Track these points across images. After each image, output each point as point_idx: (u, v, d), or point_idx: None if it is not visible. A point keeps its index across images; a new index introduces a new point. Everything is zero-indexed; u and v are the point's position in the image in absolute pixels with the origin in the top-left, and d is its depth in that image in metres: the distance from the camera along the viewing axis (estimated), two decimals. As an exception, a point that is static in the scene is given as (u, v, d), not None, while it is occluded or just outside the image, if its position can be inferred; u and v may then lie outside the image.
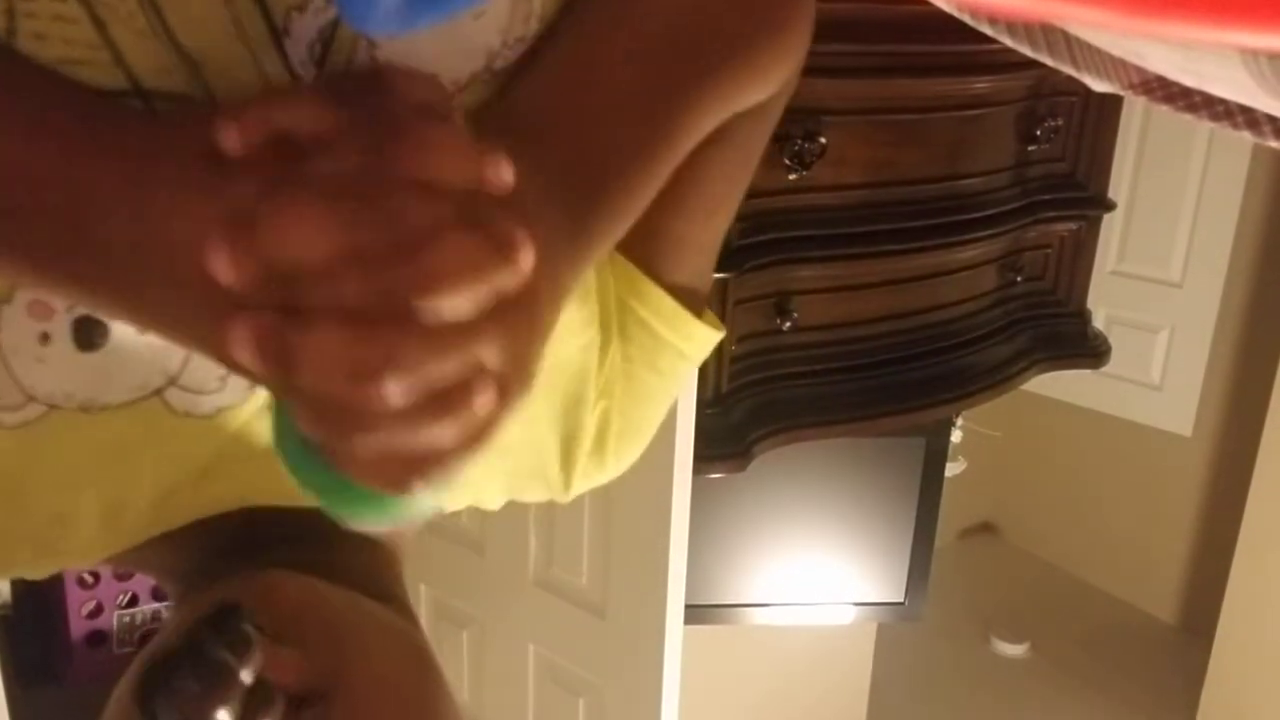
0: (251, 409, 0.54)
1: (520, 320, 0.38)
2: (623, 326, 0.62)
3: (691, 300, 0.63)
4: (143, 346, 0.50)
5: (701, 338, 0.64)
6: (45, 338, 0.48)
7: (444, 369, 0.35)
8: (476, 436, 0.38)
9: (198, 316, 0.39)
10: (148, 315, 0.41)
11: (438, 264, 0.35)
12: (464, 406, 0.36)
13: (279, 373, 0.35)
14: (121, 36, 0.43)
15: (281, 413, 0.40)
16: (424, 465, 0.37)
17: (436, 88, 0.41)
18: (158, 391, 0.51)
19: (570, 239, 0.45)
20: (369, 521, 0.40)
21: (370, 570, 0.59)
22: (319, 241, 0.34)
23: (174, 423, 0.52)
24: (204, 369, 0.51)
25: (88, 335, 0.49)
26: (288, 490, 0.57)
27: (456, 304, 0.35)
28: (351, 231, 0.34)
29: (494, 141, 0.40)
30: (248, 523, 0.58)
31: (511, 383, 0.38)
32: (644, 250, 0.61)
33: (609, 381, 0.62)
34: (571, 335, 0.60)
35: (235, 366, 0.37)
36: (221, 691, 0.39)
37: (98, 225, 0.39)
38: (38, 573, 0.56)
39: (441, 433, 0.36)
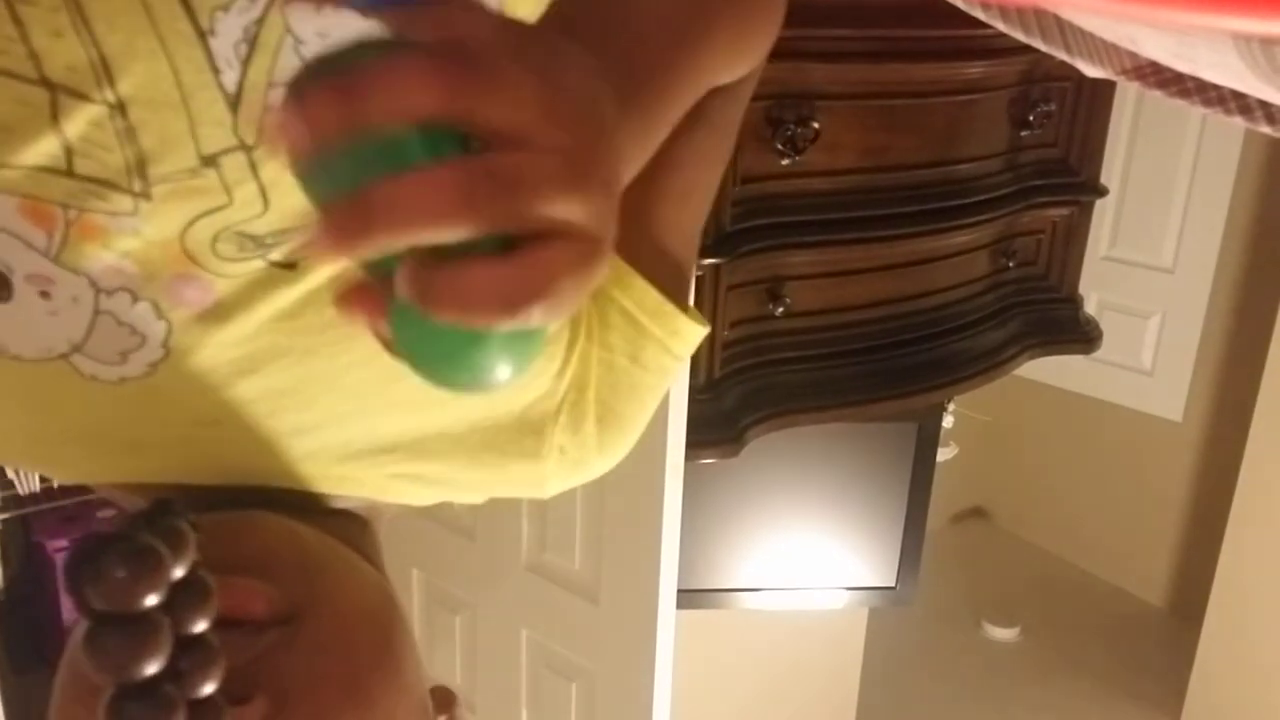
0: (157, 383, 0.56)
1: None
2: (603, 315, 0.61)
3: (675, 295, 0.63)
4: (45, 313, 0.53)
5: (687, 333, 0.63)
6: None
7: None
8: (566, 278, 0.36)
9: None
10: None
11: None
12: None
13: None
14: (36, 35, 0.46)
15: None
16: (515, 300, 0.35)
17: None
18: (64, 356, 0.54)
19: (624, 119, 0.42)
20: (457, 371, 0.38)
21: (343, 532, 0.60)
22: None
23: (83, 385, 0.55)
24: (107, 342, 0.54)
25: None
26: (224, 473, 0.59)
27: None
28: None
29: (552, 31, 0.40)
30: (225, 487, 0.60)
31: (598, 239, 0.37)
32: (624, 239, 0.61)
33: (578, 375, 0.62)
34: None
35: None
36: (149, 578, 0.39)
37: None
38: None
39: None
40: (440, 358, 0.38)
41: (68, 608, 2.16)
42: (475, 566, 1.90)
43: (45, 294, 0.52)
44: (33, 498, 2.08)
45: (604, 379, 0.62)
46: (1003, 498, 3.98)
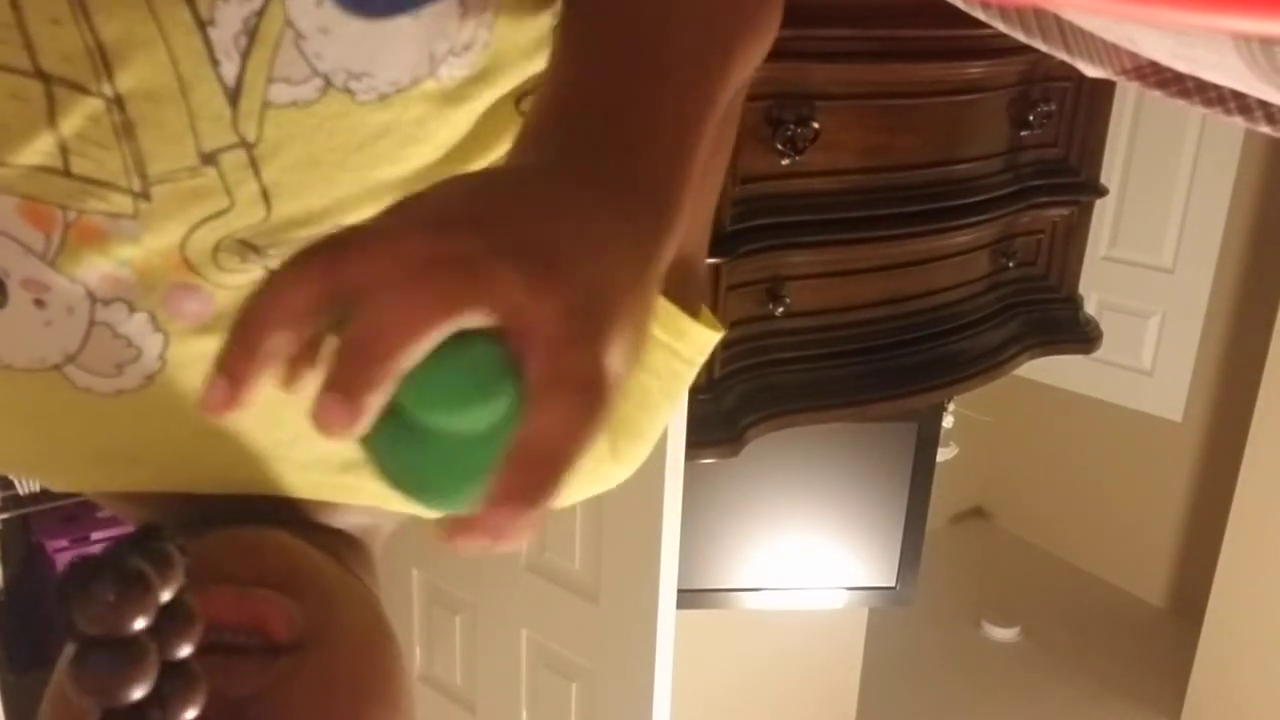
0: (154, 396, 0.55)
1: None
2: None
3: (683, 299, 0.61)
4: (39, 323, 0.52)
5: (695, 336, 0.61)
6: None
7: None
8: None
9: None
10: None
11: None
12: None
13: None
14: (34, 22, 0.45)
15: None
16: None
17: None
18: (57, 367, 0.54)
19: (636, 234, 0.40)
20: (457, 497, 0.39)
21: (340, 553, 0.60)
22: None
23: (77, 397, 0.54)
24: (102, 354, 0.53)
25: None
26: (226, 483, 0.58)
27: None
28: None
29: (543, 135, 0.40)
30: (223, 498, 0.60)
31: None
32: None
33: None
34: None
35: None
36: (138, 602, 0.39)
37: None
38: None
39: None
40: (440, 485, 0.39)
41: (68, 608, 2.17)
42: (475, 566, 1.90)
43: (40, 302, 0.51)
44: (33, 498, 2.08)
45: None
46: (1003, 497, 3.98)
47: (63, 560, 2.15)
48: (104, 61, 0.46)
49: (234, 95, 0.48)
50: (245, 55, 0.47)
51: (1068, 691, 3.19)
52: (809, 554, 2.08)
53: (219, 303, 0.53)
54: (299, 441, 0.58)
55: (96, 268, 0.51)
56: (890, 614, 2.72)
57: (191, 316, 0.53)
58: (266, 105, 0.48)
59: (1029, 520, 3.89)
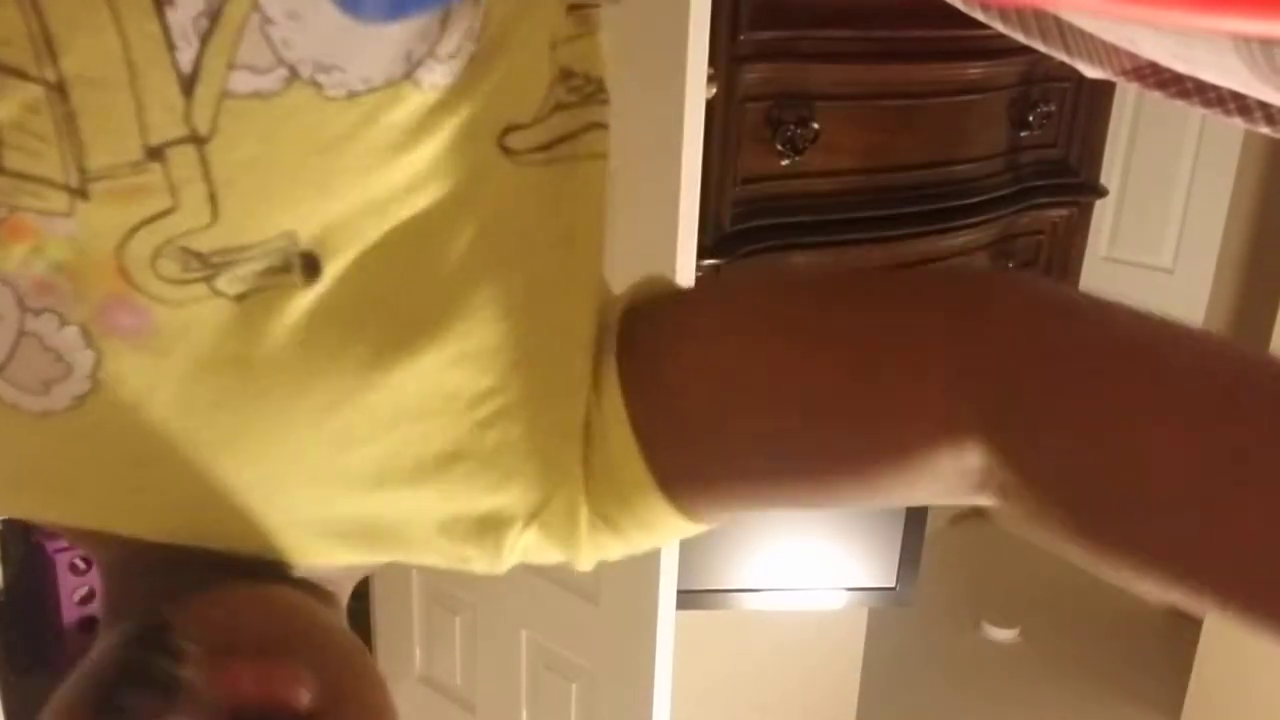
0: (83, 420, 0.51)
1: None
2: (594, 516, 0.54)
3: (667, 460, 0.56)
4: None
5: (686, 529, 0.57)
6: None
7: None
8: None
9: None
10: None
11: None
12: None
13: None
14: None
15: None
16: None
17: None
18: None
19: None
20: None
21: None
22: None
23: (4, 413, 0.51)
24: (30, 368, 0.49)
25: None
26: (167, 528, 0.54)
27: None
28: None
29: None
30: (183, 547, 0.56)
31: None
32: (682, 485, 0.54)
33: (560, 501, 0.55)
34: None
35: None
36: (177, 701, 0.38)
37: None
38: None
39: None
40: None
41: (67, 609, 2.16)
42: (475, 567, 1.90)
43: None
44: (33, 498, 2.08)
45: (591, 539, 0.56)
46: (1003, 498, 3.98)
47: (63, 560, 2.14)
48: (48, 46, 0.43)
49: (189, 84, 0.45)
50: (205, 39, 0.44)
51: (1067, 693, 3.19)
52: (809, 554, 2.08)
53: (156, 320, 0.49)
54: (246, 490, 0.52)
55: (28, 269, 0.47)
56: (890, 614, 2.72)
57: (126, 332, 0.49)
58: (225, 95, 0.45)
59: (1029, 520, 3.89)
